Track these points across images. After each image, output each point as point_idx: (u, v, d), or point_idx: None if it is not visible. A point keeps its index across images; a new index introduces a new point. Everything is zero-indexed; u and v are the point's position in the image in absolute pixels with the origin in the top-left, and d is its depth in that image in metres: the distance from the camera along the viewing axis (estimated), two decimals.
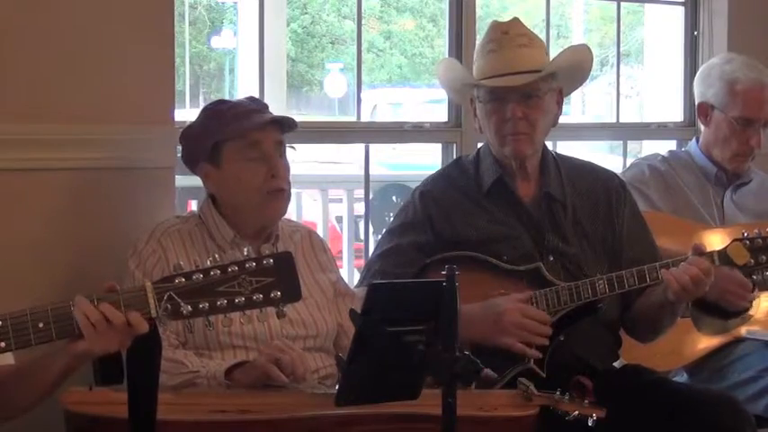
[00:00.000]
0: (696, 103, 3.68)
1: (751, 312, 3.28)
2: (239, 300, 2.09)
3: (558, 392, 2.56)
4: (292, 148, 2.86)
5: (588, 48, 3.13)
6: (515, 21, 3.01)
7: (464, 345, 2.17)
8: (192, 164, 2.84)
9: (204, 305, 2.08)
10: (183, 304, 2.07)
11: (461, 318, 2.07)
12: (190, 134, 2.85)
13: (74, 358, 2.14)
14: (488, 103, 2.97)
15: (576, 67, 3.06)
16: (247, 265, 2.10)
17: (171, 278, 2.09)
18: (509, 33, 2.97)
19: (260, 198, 2.74)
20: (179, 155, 2.99)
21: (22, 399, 2.26)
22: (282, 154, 2.79)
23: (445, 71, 3.16)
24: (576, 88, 3.21)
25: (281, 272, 2.11)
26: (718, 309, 3.13)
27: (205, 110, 2.85)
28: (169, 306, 2.08)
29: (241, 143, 2.74)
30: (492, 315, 2.85)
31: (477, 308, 2.85)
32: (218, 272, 2.09)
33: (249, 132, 2.74)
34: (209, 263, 2.10)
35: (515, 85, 2.91)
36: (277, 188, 2.75)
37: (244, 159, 2.74)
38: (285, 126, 2.80)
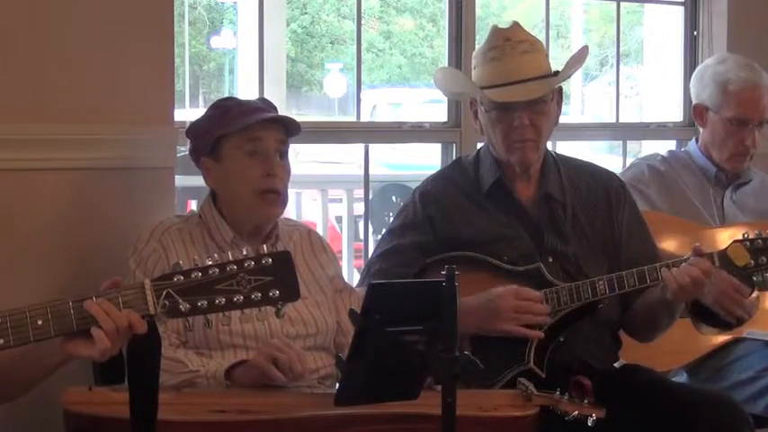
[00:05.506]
0: (692, 105, 3.68)
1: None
2: (237, 298, 2.09)
3: (557, 392, 2.56)
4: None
5: (587, 47, 3.14)
6: (516, 26, 3.00)
7: (463, 338, 2.16)
8: (196, 159, 2.84)
9: (202, 303, 2.08)
10: (181, 302, 2.07)
11: (458, 310, 2.07)
12: (196, 129, 2.84)
13: (69, 359, 2.14)
14: (493, 110, 2.95)
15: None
16: (246, 264, 2.10)
17: (169, 276, 2.09)
18: (511, 40, 2.95)
19: (252, 196, 2.73)
20: (180, 154, 2.99)
21: None
22: (283, 156, 2.79)
23: (447, 82, 3.14)
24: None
25: (279, 271, 2.11)
26: (713, 317, 3.11)
27: (213, 106, 2.85)
28: (167, 303, 2.07)
29: (241, 138, 2.73)
30: (487, 302, 2.85)
31: (472, 299, 2.85)
32: (217, 270, 2.09)
33: (251, 127, 2.73)
34: (208, 262, 2.11)
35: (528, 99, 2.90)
36: (271, 188, 2.73)
37: (242, 154, 2.73)
38: (290, 129, 2.79)
